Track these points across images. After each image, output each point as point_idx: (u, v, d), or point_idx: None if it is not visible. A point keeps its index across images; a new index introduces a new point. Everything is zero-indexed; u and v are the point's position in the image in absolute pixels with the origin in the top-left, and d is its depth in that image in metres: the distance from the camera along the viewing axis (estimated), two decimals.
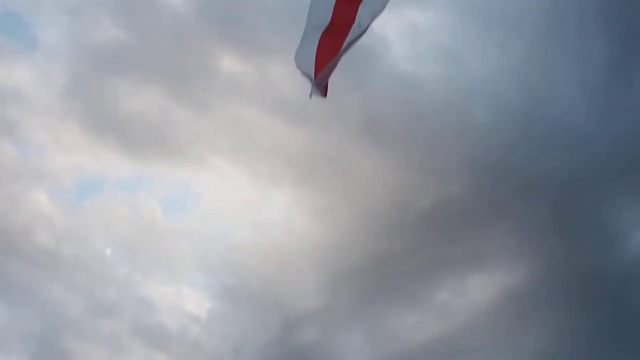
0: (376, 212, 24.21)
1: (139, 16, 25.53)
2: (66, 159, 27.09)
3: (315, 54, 8.73)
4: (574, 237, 23.11)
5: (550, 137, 23.23)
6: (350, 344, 24.08)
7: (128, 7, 25.68)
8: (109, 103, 25.94)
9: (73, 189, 27.94)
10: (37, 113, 26.37)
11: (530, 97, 23.58)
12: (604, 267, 22.87)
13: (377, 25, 9.35)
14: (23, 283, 24.58)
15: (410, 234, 23.94)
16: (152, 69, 25.67)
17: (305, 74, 8.87)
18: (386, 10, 9.22)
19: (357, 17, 8.61)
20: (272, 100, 24.52)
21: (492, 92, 23.57)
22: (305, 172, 25.29)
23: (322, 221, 25.17)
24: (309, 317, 24.21)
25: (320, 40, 8.76)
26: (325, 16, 8.85)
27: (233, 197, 27.48)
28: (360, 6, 8.63)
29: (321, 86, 9.12)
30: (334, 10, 8.81)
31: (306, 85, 9.19)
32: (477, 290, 24.38)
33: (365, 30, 8.56)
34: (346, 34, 8.57)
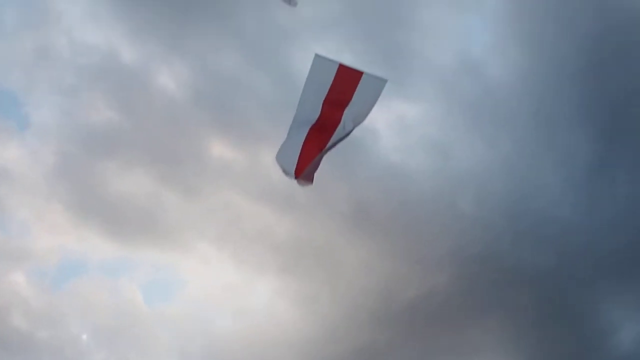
0: (361, 302, 24.02)
1: (133, 99, 25.90)
2: (49, 240, 26.86)
3: (300, 148, 9.28)
4: (560, 329, 22.94)
5: (535, 229, 23.43)
6: None
7: (123, 90, 26.08)
8: (97, 184, 25.96)
9: (54, 271, 27.57)
10: (23, 192, 26.31)
11: (516, 190, 23.92)
12: None
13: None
14: None
15: (395, 325, 23.69)
16: (143, 153, 25.86)
17: (285, 171, 9.42)
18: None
19: (342, 119, 9.38)
20: (261, 187, 24.68)
21: (478, 185, 23.89)
22: (291, 260, 25.21)
23: (306, 310, 24.90)
24: None
25: (308, 134, 9.31)
26: (314, 114, 9.45)
27: (217, 283, 27.20)
28: (346, 110, 9.35)
29: (307, 178, 9.62)
30: (321, 109, 9.44)
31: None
32: None
33: (349, 133, 9.33)
34: (332, 133, 9.29)
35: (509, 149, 24.48)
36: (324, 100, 9.57)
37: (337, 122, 9.42)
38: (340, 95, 9.53)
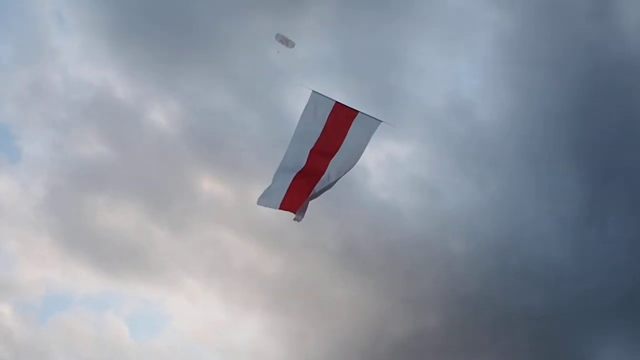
0: (349, 341, 23.83)
1: (125, 135, 26.08)
2: (35, 272, 26.76)
3: (285, 192, 9.55)
4: None
5: (525, 270, 23.42)
6: None
7: (115, 126, 26.31)
8: (85, 218, 25.95)
9: (39, 303, 27.40)
10: (11, 224, 26.30)
11: (506, 230, 23.99)
12: None
13: None
14: None
15: None
16: (133, 187, 25.91)
17: (268, 207, 9.70)
18: None
19: (327, 170, 9.64)
20: (250, 224, 24.67)
21: (468, 224, 23.97)
22: (279, 297, 25.07)
23: (293, 348, 24.68)
24: None
25: (294, 180, 9.58)
26: (300, 162, 9.72)
27: (204, 319, 27.01)
28: (331, 161, 9.59)
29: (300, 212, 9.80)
30: (308, 158, 9.71)
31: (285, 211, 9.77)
32: None
33: (333, 184, 9.61)
34: (316, 182, 9.55)
35: (498, 189, 24.66)
36: (312, 149, 9.81)
37: (322, 172, 9.63)
38: (330, 141, 9.76)
